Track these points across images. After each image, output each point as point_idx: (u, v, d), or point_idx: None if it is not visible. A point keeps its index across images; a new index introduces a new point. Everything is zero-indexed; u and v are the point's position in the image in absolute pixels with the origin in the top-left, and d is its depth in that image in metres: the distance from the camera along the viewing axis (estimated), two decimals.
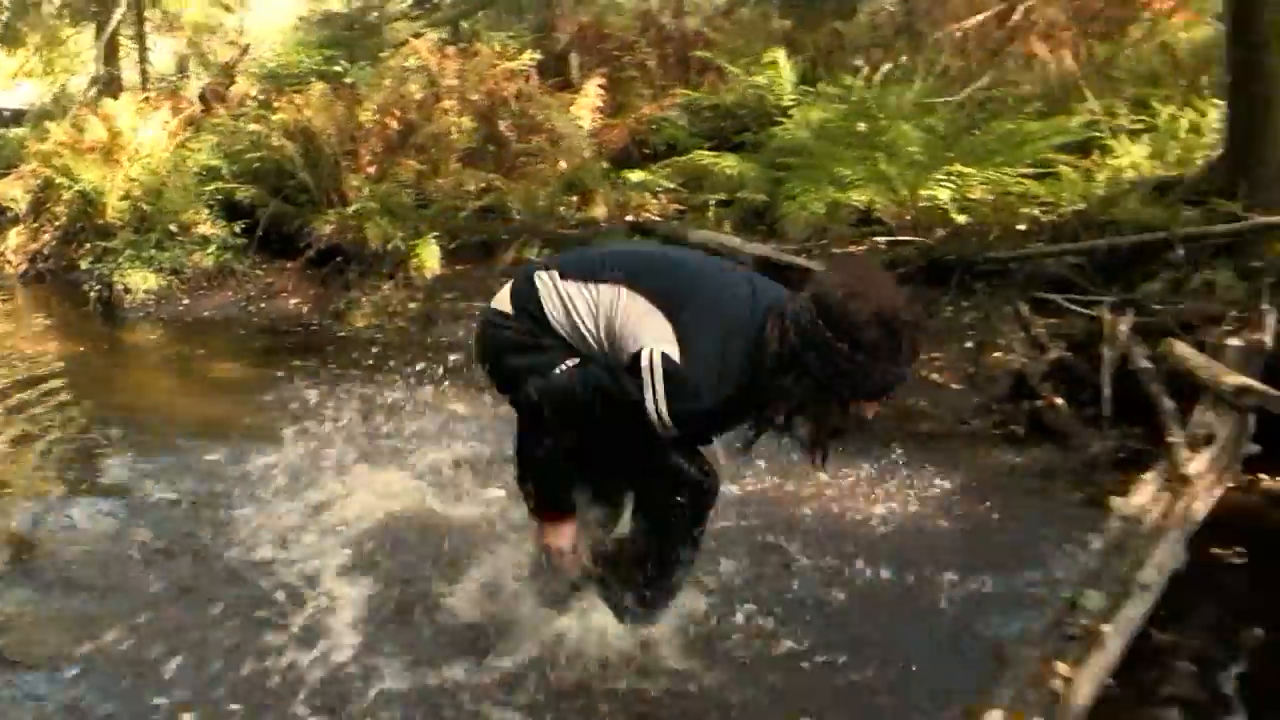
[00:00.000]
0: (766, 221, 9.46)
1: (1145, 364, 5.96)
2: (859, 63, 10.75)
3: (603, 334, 3.37)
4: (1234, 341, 5.96)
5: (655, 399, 3.17)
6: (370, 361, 7.43)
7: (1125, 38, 10.68)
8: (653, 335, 3.22)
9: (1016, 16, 10.86)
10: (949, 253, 7.81)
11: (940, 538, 4.83)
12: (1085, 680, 3.22)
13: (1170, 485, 4.46)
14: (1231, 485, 4.92)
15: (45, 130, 13.83)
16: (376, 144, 10.94)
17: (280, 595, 4.21)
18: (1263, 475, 5.23)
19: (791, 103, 10.30)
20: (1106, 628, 3.42)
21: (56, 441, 6.44)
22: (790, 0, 12.80)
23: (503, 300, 3.62)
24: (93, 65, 18.65)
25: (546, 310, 3.47)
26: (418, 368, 6.41)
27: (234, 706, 3.54)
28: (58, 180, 12.46)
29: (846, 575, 4.33)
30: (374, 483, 5.20)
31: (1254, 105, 7.21)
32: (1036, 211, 8.22)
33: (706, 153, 10.31)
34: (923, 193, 8.37)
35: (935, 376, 6.89)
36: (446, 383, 6.27)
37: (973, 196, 8.37)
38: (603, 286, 3.39)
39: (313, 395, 6.02)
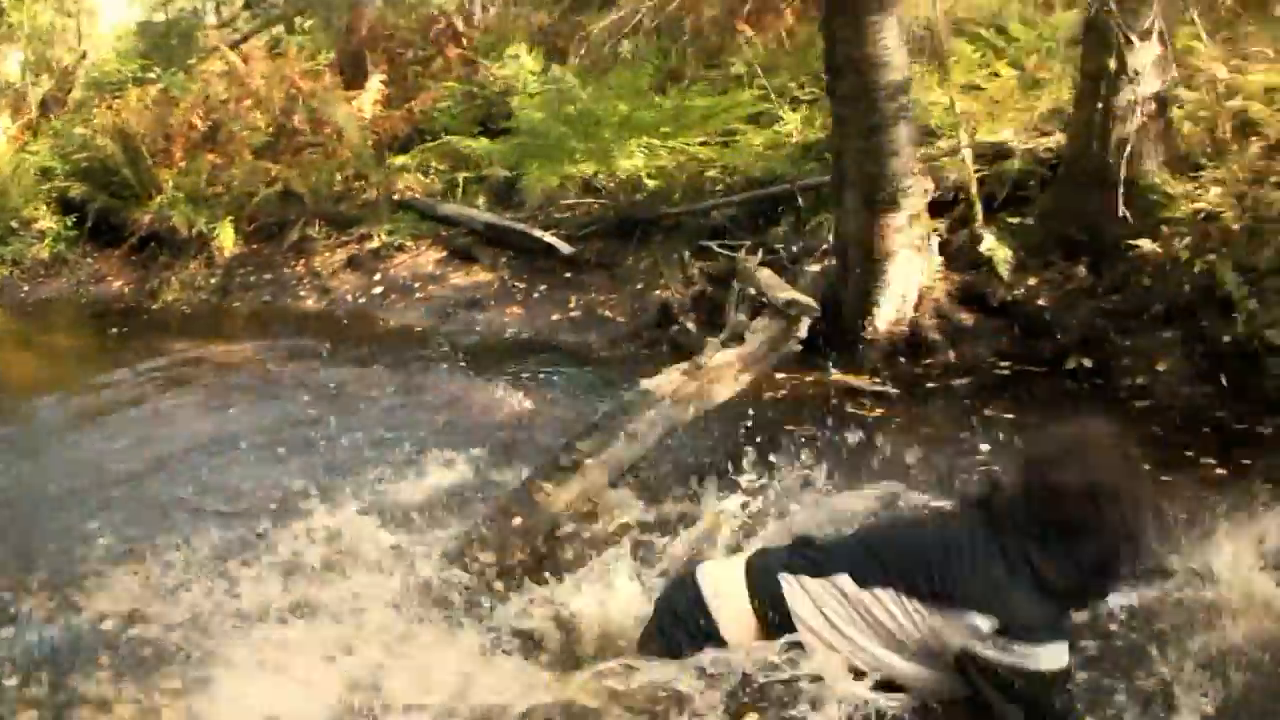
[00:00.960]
0: (513, 194, 11.06)
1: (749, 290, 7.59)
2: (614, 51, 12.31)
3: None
4: (811, 268, 7.72)
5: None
6: (174, 327, 9.32)
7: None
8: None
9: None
10: (634, 211, 9.59)
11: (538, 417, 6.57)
12: (562, 495, 4.90)
13: (690, 371, 6.18)
14: (783, 376, 6.60)
15: None
16: (184, 141, 12.56)
17: None
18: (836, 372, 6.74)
19: (535, 91, 11.92)
20: (590, 460, 5.02)
21: None
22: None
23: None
24: None
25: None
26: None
27: None
28: None
29: None
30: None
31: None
32: (714, 173, 9.88)
33: (461, 137, 11.89)
34: (622, 163, 10.08)
35: (606, 313, 8.70)
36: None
37: (660, 163, 10.06)
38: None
39: (127, 355, 7.91)
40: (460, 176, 11.31)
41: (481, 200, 11.14)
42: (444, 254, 10.27)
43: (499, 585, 4.18)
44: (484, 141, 11.54)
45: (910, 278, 6.86)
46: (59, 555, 4.90)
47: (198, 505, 5.40)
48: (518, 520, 4.50)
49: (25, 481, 6.02)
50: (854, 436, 5.40)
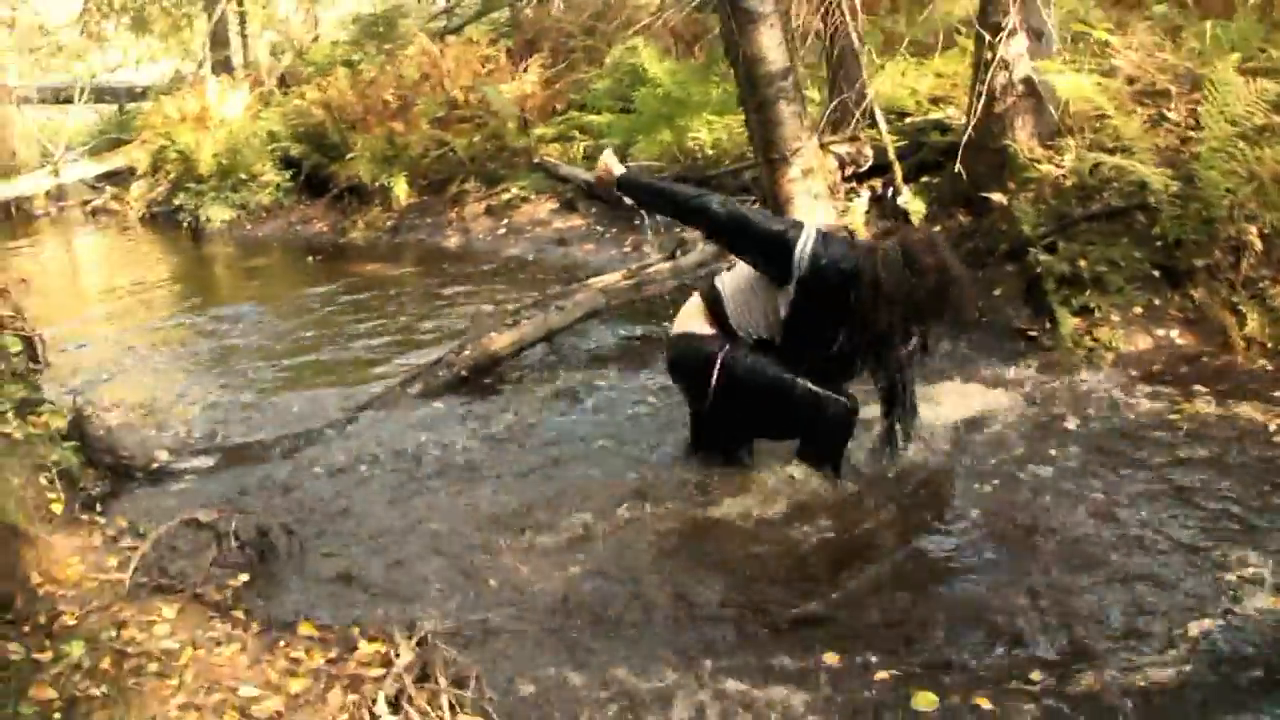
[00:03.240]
0: (626, 159, 13.47)
1: None
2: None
3: None
4: None
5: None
6: (355, 257, 12.64)
7: None
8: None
9: None
10: (690, 173, 11.65)
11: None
12: (503, 340, 7.35)
13: (628, 274, 8.28)
14: None
15: (160, 106, 18.63)
16: (379, 113, 15.63)
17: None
18: None
19: (654, 74, 14.29)
20: (526, 322, 7.43)
21: (164, 306, 11.38)
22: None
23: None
24: (201, 51, 22.09)
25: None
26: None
27: None
28: (165, 144, 17.46)
29: None
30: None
31: None
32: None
33: (596, 112, 14.30)
34: (690, 135, 12.42)
35: (647, 249, 11.12)
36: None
37: (717, 135, 12.14)
38: None
39: (320, 276, 11.30)
40: (583, 145, 13.90)
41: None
42: (556, 205, 12.91)
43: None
44: (606, 116, 14.04)
45: (812, 219, 7.49)
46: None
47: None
48: (466, 351, 7.26)
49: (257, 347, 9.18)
50: None
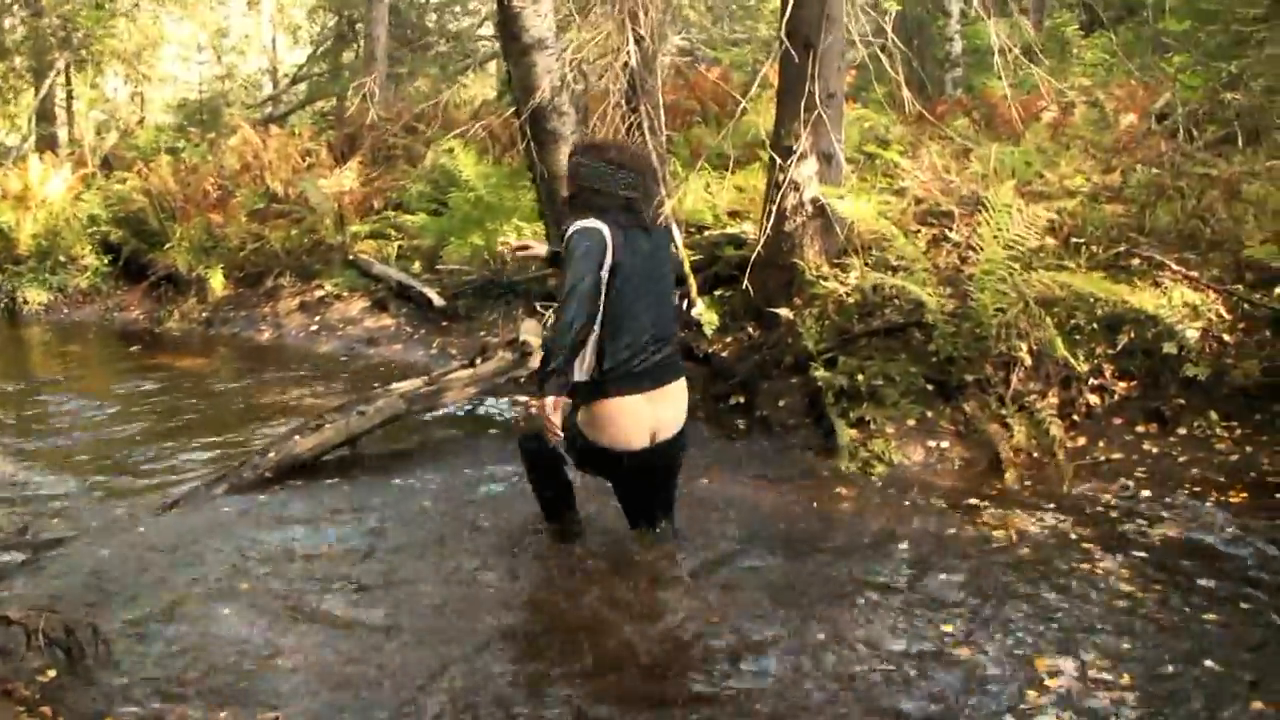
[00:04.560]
0: (438, 259, 13.73)
1: None
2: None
3: None
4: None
5: None
6: (169, 347, 12.97)
7: None
8: None
9: None
10: (498, 277, 12.39)
11: None
12: (307, 444, 7.66)
13: (430, 379, 8.55)
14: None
15: None
16: (199, 202, 16.01)
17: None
18: None
19: (465, 178, 14.79)
20: (329, 426, 7.88)
21: None
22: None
23: None
24: (25, 125, 22.67)
25: None
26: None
27: None
28: None
29: None
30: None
31: None
32: None
33: (412, 211, 14.87)
34: (498, 239, 12.82)
35: (453, 351, 11.64)
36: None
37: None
38: None
39: (133, 367, 11.65)
40: (397, 244, 14.39)
41: (417, 264, 13.91)
42: (368, 303, 13.35)
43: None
44: (421, 216, 14.53)
45: None
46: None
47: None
48: (272, 454, 7.76)
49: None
50: None
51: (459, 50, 21.07)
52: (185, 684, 5.02)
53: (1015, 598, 5.43)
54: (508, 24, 9.05)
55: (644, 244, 5.41)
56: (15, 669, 5.05)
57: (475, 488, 7.44)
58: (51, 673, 5.06)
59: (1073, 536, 6.13)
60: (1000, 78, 9.16)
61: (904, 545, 6.17)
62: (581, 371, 5.32)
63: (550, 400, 5.18)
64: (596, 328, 5.24)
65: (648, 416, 5.40)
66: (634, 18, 9.18)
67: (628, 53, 9.29)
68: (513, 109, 10.30)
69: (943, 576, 5.73)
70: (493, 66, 22.03)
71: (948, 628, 5.13)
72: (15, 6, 23.11)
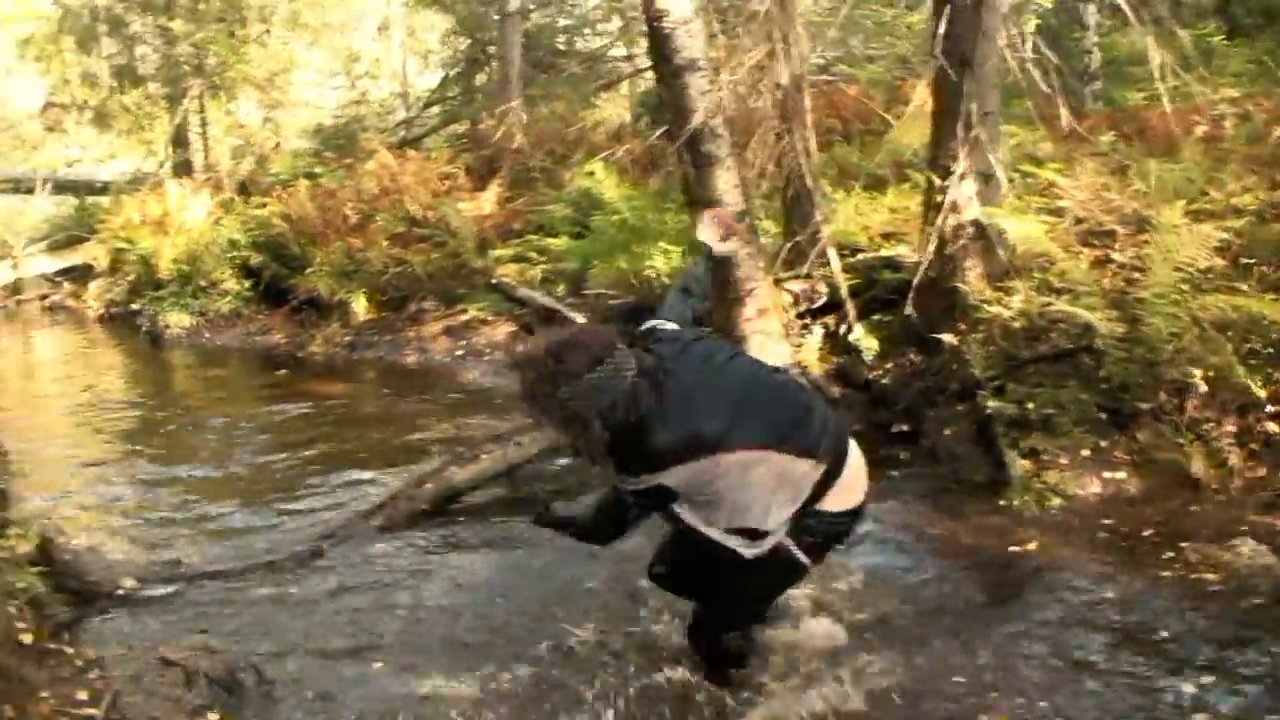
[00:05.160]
0: (583, 283, 13.55)
1: None
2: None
3: None
4: None
5: None
6: (313, 372, 12.78)
7: None
8: None
9: None
10: (645, 303, 11.99)
11: None
12: (463, 474, 7.44)
13: None
14: None
15: (120, 205, 19.14)
16: (338, 227, 15.92)
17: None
18: None
19: (611, 199, 14.66)
20: (485, 457, 7.53)
21: (125, 415, 11.52)
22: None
23: None
24: (162, 151, 22.93)
25: None
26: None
27: None
28: (125, 246, 17.70)
29: None
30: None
31: None
32: None
33: (555, 235, 14.64)
34: (646, 262, 12.28)
35: None
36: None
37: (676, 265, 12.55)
38: None
39: (280, 393, 11.50)
40: (540, 268, 14.17)
41: (561, 288, 13.71)
42: (513, 327, 13.16)
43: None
44: (564, 239, 14.36)
45: (767, 357, 7.36)
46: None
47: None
48: (429, 485, 7.45)
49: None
50: None
51: (592, 72, 20.66)
52: None
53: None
54: (659, 45, 8.69)
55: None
56: (176, 713, 4.84)
57: None
58: (213, 716, 4.84)
59: None
60: (1139, 91, 8.75)
61: (1110, 592, 5.69)
62: None
63: None
64: None
65: None
66: (784, 37, 9.03)
67: (778, 72, 9.13)
68: (654, 132, 10.04)
69: (1175, 626, 5.18)
70: (625, 88, 21.71)
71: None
72: (149, 35, 23.50)
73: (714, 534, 3.99)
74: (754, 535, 3.98)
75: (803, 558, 4.14)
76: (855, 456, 4.19)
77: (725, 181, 8.51)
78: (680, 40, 8.58)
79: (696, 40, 8.65)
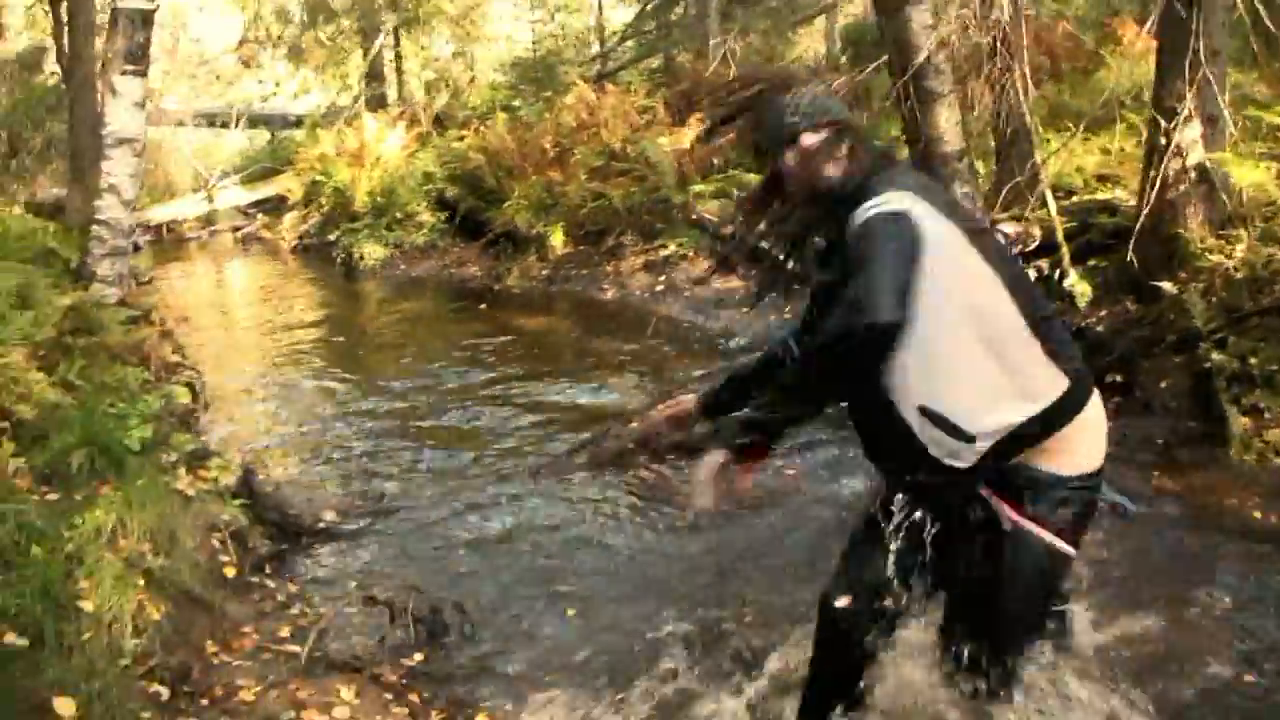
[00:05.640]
0: None
1: None
2: None
3: None
4: None
5: None
6: (510, 305, 12.73)
7: None
8: None
9: None
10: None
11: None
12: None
13: None
14: None
15: (316, 138, 19.13)
16: (536, 160, 15.68)
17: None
18: None
19: None
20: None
21: (320, 348, 11.42)
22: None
23: None
24: (356, 85, 23.00)
25: None
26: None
27: None
28: (320, 178, 17.70)
29: None
30: None
31: None
32: None
33: (743, 170, 13.94)
34: None
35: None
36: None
37: None
38: None
39: (476, 325, 11.35)
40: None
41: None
42: (714, 264, 12.78)
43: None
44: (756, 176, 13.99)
45: None
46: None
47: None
48: (635, 423, 7.10)
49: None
50: None
51: (790, 5, 20.11)
52: (554, 669, 4.62)
53: None
54: None
55: None
56: (379, 651, 4.70)
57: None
58: (417, 656, 4.69)
59: None
60: None
61: None
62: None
63: None
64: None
65: None
66: None
67: (1000, 5, 8.78)
68: (860, 68, 9.68)
69: None
70: (820, 22, 21.17)
71: None
72: None
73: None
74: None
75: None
76: None
77: (947, 119, 8.28)
78: None
79: None
